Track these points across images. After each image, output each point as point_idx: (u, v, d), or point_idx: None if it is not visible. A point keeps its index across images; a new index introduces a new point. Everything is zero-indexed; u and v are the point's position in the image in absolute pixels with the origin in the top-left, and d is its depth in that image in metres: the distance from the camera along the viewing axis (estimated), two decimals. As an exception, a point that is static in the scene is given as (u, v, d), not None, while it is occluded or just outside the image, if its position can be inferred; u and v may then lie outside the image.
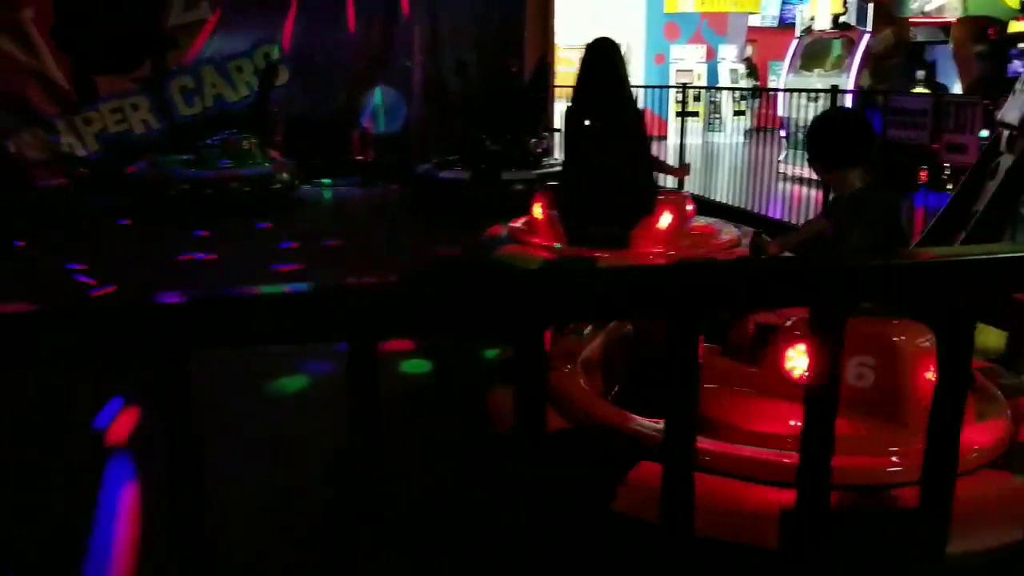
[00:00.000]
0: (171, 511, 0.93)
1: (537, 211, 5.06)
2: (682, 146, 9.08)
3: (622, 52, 5.15)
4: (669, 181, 7.19)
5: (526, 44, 10.74)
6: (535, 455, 1.01)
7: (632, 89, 5.17)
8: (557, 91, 10.76)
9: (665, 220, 4.81)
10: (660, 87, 11.38)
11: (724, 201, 7.79)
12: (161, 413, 0.92)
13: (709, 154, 8.87)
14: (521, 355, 0.99)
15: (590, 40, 5.20)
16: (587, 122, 4.91)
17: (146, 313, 0.88)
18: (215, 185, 8.11)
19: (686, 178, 7.06)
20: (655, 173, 5.42)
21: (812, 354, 1.10)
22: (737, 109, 15.41)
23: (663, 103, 11.16)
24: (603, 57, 5.00)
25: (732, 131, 15.09)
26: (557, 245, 4.82)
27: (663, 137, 10.83)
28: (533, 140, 8.82)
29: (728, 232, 5.13)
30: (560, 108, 10.29)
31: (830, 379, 1.07)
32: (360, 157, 10.38)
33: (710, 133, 14.83)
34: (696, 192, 7.41)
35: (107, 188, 8.49)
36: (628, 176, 4.75)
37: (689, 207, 5.13)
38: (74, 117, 9.34)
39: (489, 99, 10.15)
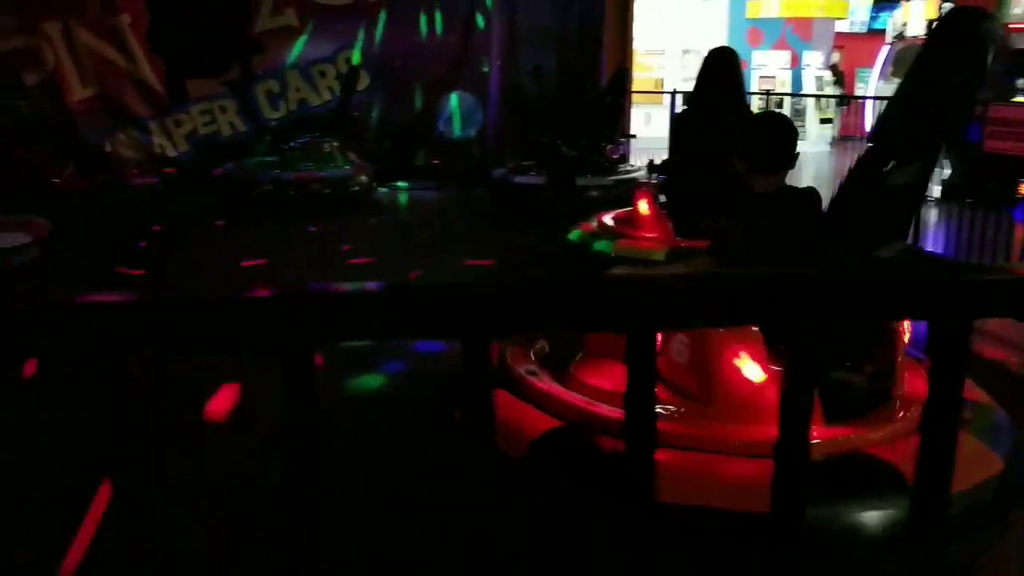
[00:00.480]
0: (290, 497, 0.92)
1: (643, 206, 5.20)
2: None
3: (738, 59, 5.40)
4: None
5: (604, 49, 10.67)
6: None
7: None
8: (635, 97, 10.65)
9: None
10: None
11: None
12: (289, 402, 0.91)
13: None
14: (634, 354, 0.94)
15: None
16: (703, 126, 5.18)
17: (284, 304, 0.88)
18: (297, 186, 8.33)
19: None
20: None
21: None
22: (823, 117, 14.97)
23: (744, 110, 10.92)
24: (722, 65, 5.24)
25: (817, 140, 14.67)
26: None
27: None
28: (609, 146, 8.76)
29: None
30: (637, 114, 10.22)
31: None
32: (436, 161, 10.49)
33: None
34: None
35: (195, 188, 8.80)
36: (737, 174, 4.92)
37: None
38: (166, 119, 9.72)
39: (566, 104, 10.13)
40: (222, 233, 7.71)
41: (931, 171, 2.89)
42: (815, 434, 1.92)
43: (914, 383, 2.56)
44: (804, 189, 2.97)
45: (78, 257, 6.48)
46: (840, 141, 14.92)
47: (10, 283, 5.54)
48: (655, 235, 5.01)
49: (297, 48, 10.02)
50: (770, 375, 2.27)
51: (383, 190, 9.64)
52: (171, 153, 9.71)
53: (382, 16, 10.17)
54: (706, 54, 5.40)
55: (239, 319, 0.91)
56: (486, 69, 10.56)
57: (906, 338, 2.71)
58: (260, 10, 9.81)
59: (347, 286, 0.90)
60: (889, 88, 9.82)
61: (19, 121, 8.33)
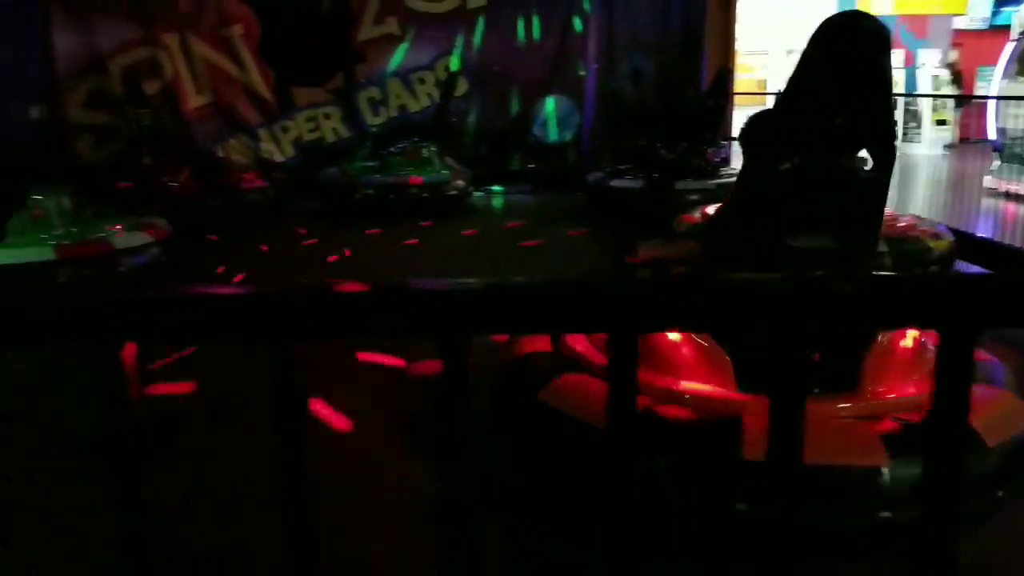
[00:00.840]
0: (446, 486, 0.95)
1: None
2: (873, 157, 8.47)
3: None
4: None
5: (706, 51, 10.46)
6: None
7: None
8: (737, 99, 10.39)
9: None
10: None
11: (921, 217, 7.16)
12: (446, 393, 0.94)
13: (904, 166, 8.18)
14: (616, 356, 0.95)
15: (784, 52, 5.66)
16: None
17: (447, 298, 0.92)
18: (396, 190, 8.53)
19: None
20: None
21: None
22: (939, 119, 14.20)
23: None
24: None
25: (932, 142, 13.92)
26: None
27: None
28: (710, 149, 8.57)
29: (903, 216, 5.76)
30: (740, 116, 9.94)
31: None
32: (532, 165, 10.51)
33: (906, 144, 13.75)
34: (888, 208, 6.96)
35: (300, 191, 9.12)
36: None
37: None
38: (274, 125, 10.13)
39: (665, 107, 9.98)
40: (320, 235, 7.96)
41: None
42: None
43: (900, 381, 2.68)
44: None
45: (194, 257, 6.83)
46: (958, 144, 14.12)
47: (133, 278, 5.89)
48: None
49: (398, 56, 10.26)
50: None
51: (479, 194, 9.74)
52: (278, 158, 10.11)
53: (480, 22, 10.29)
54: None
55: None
56: (583, 73, 10.52)
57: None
58: (363, 20, 10.10)
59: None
60: (1014, 87, 9.21)
61: (141, 130, 8.83)
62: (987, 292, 0.92)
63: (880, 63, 2.76)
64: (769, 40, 14.96)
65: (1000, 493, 2.32)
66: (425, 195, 8.56)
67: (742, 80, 13.49)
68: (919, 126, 14.07)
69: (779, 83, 13.77)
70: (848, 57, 2.77)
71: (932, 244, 5.20)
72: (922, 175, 8.99)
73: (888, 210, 5.27)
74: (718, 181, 7.92)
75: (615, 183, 8.37)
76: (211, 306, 0.93)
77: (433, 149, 8.99)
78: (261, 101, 10.05)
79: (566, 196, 9.53)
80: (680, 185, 7.80)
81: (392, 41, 10.21)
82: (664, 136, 8.52)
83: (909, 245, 5.11)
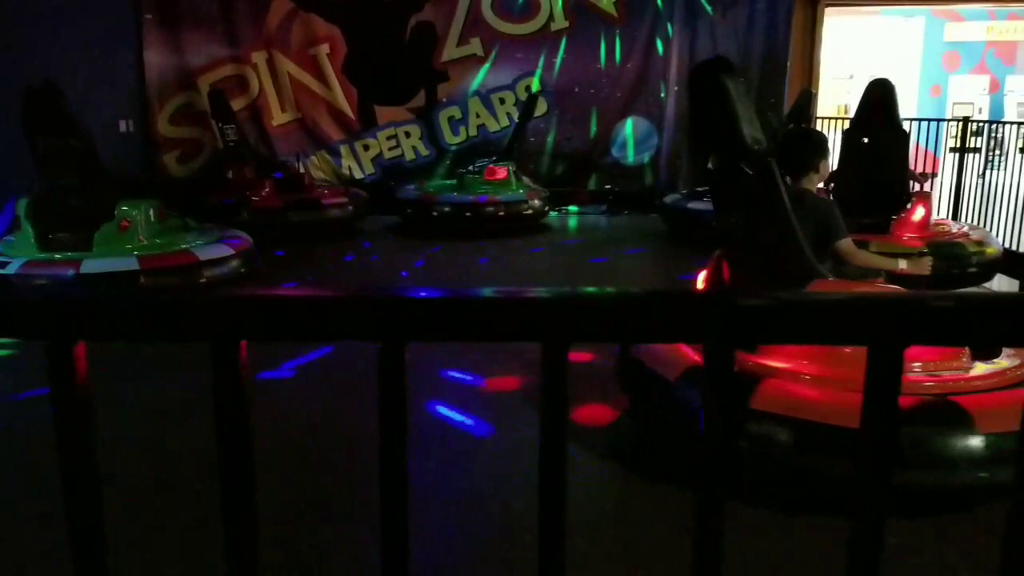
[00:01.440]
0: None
1: None
2: (959, 185, 8.17)
3: (895, 90, 6.39)
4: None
5: (789, 74, 10.24)
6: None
7: (903, 120, 6.47)
8: (820, 123, 10.11)
9: (919, 214, 5.92)
10: (934, 120, 10.31)
11: (1005, 245, 6.85)
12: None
13: (987, 194, 7.91)
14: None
15: (868, 76, 6.98)
16: (864, 140, 6.26)
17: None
18: (473, 208, 8.52)
19: (962, 213, 7.96)
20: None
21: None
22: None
23: (937, 138, 10.10)
24: (882, 94, 6.28)
25: (1018, 170, 13.32)
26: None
27: (933, 174, 9.77)
28: (793, 173, 8.34)
29: (958, 226, 6.44)
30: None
31: None
32: (610, 186, 10.41)
33: (990, 171, 13.19)
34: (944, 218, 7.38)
35: (380, 208, 9.20)
36: (889, 180, 6.08)
37: (932, 206, 6.26)
38: (355, 143, 10.27)
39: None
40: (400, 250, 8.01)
41: (761, 182, 3.20)
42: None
43: None
44: (820, 200, 3.58)
45: (276, 269, 6.92)
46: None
47: (215, 286, 5.98)
48: None
49: (480, 76, 10.31)
50: None
51: (555, 215, 9.67)
52: (358, 175, 10.22)
53: (563, 43, 10.27)
54: (866, 86, 6.48)
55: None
56: (663, 95, 10.40)
57: None
58: (447, 41, 10.19)
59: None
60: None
61: (227, 145, 9.05)
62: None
63: (714, 91, 3.12)
64: (854, 65, 14.62)
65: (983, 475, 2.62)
66: (501, 214, 8.54)
67: (827, 104, 13.19)
68: (1005, 154, 13.51)
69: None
70: (695, 96, 3.33)
71: (974, 250, 5.75)
72: (1009, 202, 8.60)
73: (942, 218, 6.61)
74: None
75: (692, 205, 8.21)
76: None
77: (511, 168, 8.97)
78: (344, 118, 10.21)
79: (644, 218, 9.41)
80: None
81: (475, 61, 10.27)
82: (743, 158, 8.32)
83: (952, 249, 5.72)
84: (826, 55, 11.20)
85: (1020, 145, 13.50)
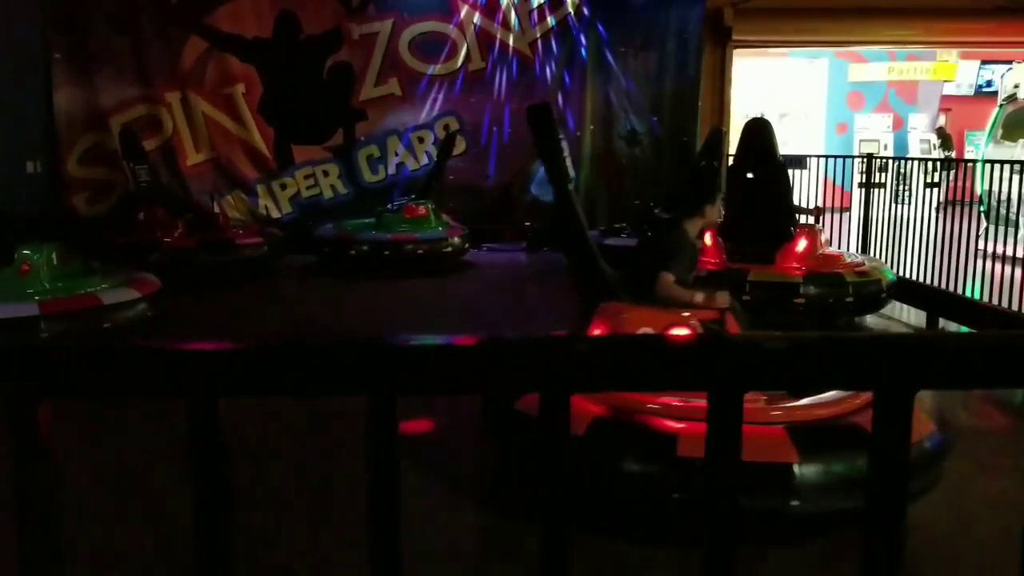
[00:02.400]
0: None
1: (707, 239, 6.27)
2: (866, 219, 8.53)
3: (773, 128, 6.74)
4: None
5: (701, 113, 10.62)
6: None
7: (805, 156, 7.35)
8: (731, 160, 10.50)
9: (801, 244, 6.18)
10: (842, 157, 10.82)
11: (914, 278, 7.17)
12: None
13: (897, 227, 8.25)
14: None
15: (778, 115, 6.66)
16: (748, 175, 6.50)
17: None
18: (392, 247, 8.53)
19: (871, 246, 8.19)
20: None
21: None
22: (929, 181, 14.34)
23: (846, 174, 10.58)
24: (759, 132, 6.62)
25: (923, 204, 14.02)
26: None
27: (845, 209, 10.17)
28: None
29: (851, 256, 6.68)
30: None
31: None
32: (528, 223, 10.56)
33: (898, 205, 13.85)
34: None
35: (297, 247, 9.14)
36: (773, 213, 6.34)
37: (823, 237, 6.50)
38: (272, 182, 10.21)
39: (659, 167, 10.07)
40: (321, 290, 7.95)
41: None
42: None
43: None
44: (678, 238, 3.81)
45: (183, 313, 6.77)
46: (947, 205, 14.23)
47: (118, 334, 5.81)
48: (711, 259, 6.17)
49: (398, 115, 10.41)
50: None
51: (475, 251, 9.75)
52: (275, 215, 10.15)
53: (480, 83, 10.47)
54: (744, 125, 6.89)
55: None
56: (578, 133, 10.65)
57: None
58: (365, 80, 10.27)
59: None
60: (1000, 151, 9.34)
61: (139, 185, 8.88)
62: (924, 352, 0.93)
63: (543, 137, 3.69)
64: (763, 105, 15.22)
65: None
66: (420, 252, 8.57)
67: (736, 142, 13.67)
68: (910, 189, 14.21)
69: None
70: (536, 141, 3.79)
71: (854, 280, 5.87)
72: (915, 236, 9.01)
73: (837, 250, 6.84)
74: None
75: (610, 242, 8.38)
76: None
77: (430, 206, 9.03)
78: (260, 158, 10.15)
79: (560, 254, 9.54)
80: (675, 244, 7.82)
81: (393, 101, 10.37)
82: (660, 196, 8.58)
83: (829, 279, 5.86)
84: (737, 94, 11.67)
85: (926, 180, 14.30)
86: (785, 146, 14.22)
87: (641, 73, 10.63)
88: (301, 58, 10.08)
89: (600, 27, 10.56)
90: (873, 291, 6.00)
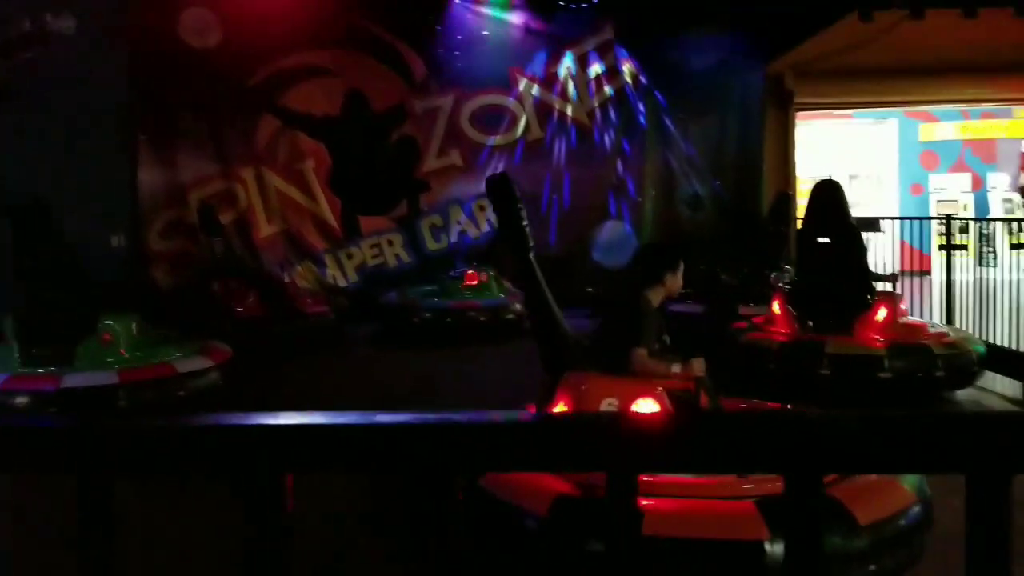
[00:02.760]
0: None
1: (775, 307, 6.22)
2: (949, 282, 8.16)
3: (842, 189, 6.53)
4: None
5: (765, 177, 10.50)
6: None
7: (878, 219, 7.01)
8: (799, 224, 10.30)
9: (881, 314, 5.81)
10: (919, 219, 10.50)
11: (1003, 344, 6.77)
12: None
13: (982, 292, 7.83)
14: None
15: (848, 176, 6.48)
16: (820, 239, 6.29)
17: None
18: (455, 314, 8.58)
19: (957, 314, 7.79)
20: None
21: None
22: (1015, 242, 13.76)
23: (923, 236, 10.24)
24: (829, 195, 6.39)
25: (1010, 266, 13.43)
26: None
27: (925, 272, 9.76)
28: (774, 274, 8.42)
29: (935, 326, 6.31)
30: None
31: None
32: (590, 289, 10.50)
33: (983, 268, 13.30)
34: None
35: (362, 315, 9.28)
36: (848, 279, 6.06)
37: (902, 306, 6.15)
38: (339, 252, 10.49)
39: (725, 232, 9.95)
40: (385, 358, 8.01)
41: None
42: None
43: None
44: (638, 307, 3.68)
45: (255, 382, 6.89)
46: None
47: (191, 402, 5.93)
48: (781, 330, 6.00)
49: (459, 185, 10.64)
50: None
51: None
52: (342, 283, 10.38)
53: (540, 152, 10.64)
54: (813, 187, 6.70)
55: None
56: (640, 199, 10.65)
57: None
58: (428, 153, 10.58)
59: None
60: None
61: (215, 257, 9.22)
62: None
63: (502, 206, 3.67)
64: (831, 167, 14.99)
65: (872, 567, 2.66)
66: (482, 319, 8.59)
67: (804, 205, 13.45)
68: (994, 250, 13.64)
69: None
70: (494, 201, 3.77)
71: (943, 352, 5.49)
72: (1003, 301, 8.54)
73: (918, 320, 6.50)
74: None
75: (675, 308, 8.23)
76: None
77: (491, 274, 9.09)
78: (328, 229, 10.47)
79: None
80: (743, 310, 7.64)
81: (454, 171, 10.61)
82: (725, 260, 8.45)
83: (915, 351, 5.50)
84: (803, 157, 11.52)
85: (1011, 241, 13.72)
86: (856, 208, 13.93)
87: (701, 138, 10.64)
88: (367, 133, 10.47)
89: (658, 94, 10.67)
90: (964, 363, 5.60)
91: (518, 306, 8.92)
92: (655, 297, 3.73)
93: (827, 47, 10.27)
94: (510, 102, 10.67)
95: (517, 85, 10.66)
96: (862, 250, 6.35)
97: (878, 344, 5.52)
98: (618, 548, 0.95)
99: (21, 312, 6.25)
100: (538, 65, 10.71)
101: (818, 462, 0.91)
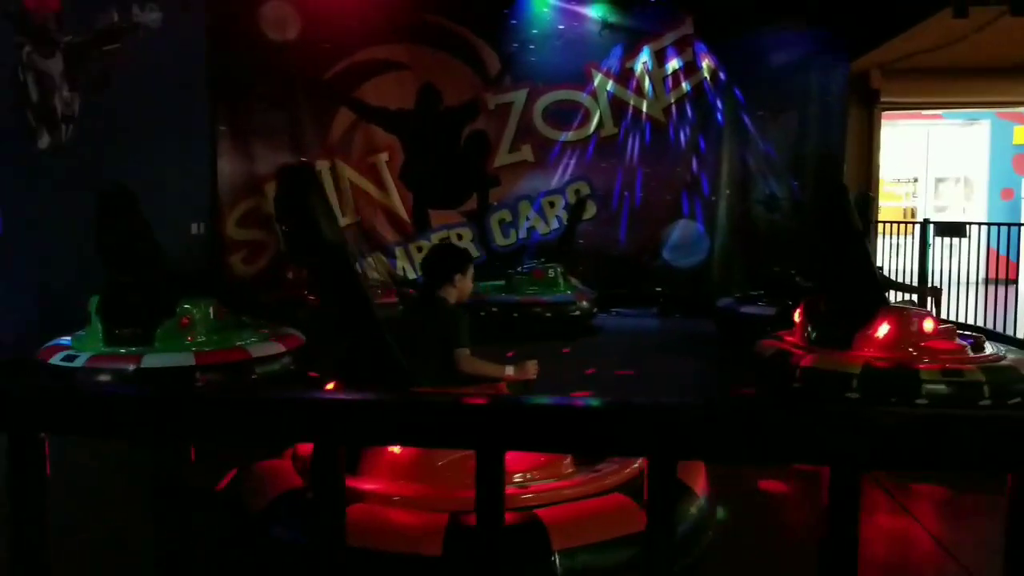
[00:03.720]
0: None
1: (796, 315, 5.96)
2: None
3: (849, 194, 6.05)
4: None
5: (846, 178, 10.16)
6: None
7: (964, 224, 6.42)
8: (881, 227, 9.93)
9: (882, 330, 5.33)
10: (1008, 224, 9.96)
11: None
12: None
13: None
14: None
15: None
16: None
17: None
18: (521, 309, 8.58)
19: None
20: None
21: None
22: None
23: (1013, 243, 9.71)
24: (834, 199, 5.96)
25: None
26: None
27: (1012, 281, 9.26)
28: (850, 277, 8.14)
29: (991, 349, 5.38)
30: (883, 245, 9.47)
31: None
32: (660, 288, 10.37)
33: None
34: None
35: (430, 308, 9.34)
36: (855, 293, 5.65)
37: (927, 324, 5.40)
38: (409, 244, 10.61)
39: (801, 234, 9.66)
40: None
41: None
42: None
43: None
44: (449, 307, 3.53)
45: (322, 366, 7.03)
46: None
47: (263, 384, 6.09)
48: (794, 340, 5.76)
49: (530, 181, 10.62)
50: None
51: (604, 315, 9.63)
52: (411, 276, 10.50)
53: (612, 148, 10.54)
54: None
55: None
56: (713, 198, 10.45)
57: None
58: (499, 147, 10.59)
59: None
60: None
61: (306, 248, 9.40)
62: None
63: (300, 193, 3.01)
64: (919, 168, 14.43)
65: None
66: (548, 315, 8.56)
67: (887, 208, 12.97)
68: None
69: (929, 211, 13.13)
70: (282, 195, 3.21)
71: (931, 379, 4.90)
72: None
73: (962, 341, 5.56)
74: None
75: (745, 309, 8.06)
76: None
77: (559, 270, 9.06)
78: (399, 222, 10.60)
79: (695, 321, 9.27)
80: (816, 314, 7.39)
81: (525, 166, 10.60)
82: (800, 263, 8.21)
83: (897, 375, 4.98)
84: (886, 158, 11.11)
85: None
86: (943, 213, 13.38)
87: (781, 137, 10.36)
88: (440, 128, 10.55)
89: (737, 91, 10.42)
90: (969, 396, 4.80)
91: (585, 303, 8.89)
92: (449, 296, 3.59)
93: (917, 44, 9.87)
94: (584, 97, 10.59)
95: (592, 80, 10.57)
96: (865, 258, 5.86)
97: (881, 364, 5.04)
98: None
99: (106, 294, 6.52)
100: (614, 60, 10.60)
101: (858, 458, 0.97)
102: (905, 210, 14.15)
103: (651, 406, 1.03)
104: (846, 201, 5.81)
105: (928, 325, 5.38)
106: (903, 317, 5.39)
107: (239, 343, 6.37)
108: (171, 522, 1.12)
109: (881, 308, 5.47)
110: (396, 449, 2.78)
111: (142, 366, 5.87)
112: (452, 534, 2.37)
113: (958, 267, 8.39)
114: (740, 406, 1.08)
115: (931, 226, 8.93)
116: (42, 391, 1.13)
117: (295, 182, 3.08)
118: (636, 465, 2.81)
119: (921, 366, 4.96)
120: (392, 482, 2.70)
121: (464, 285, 3.65)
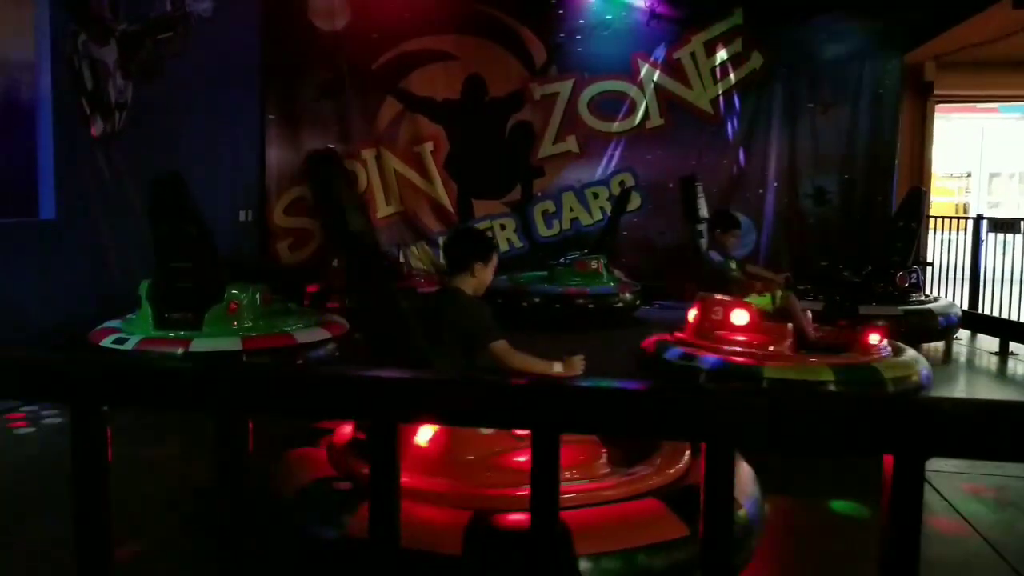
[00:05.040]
0: None
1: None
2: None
3: None
4: None
5: (898, 172, 9.95)
6: None
7: (1018, 220, 6.27)
8: (933, 223, 9.71)
9: (873, 338, 5.22)
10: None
11: None
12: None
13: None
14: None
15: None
16: None
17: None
18: (563, 300, 8.57)
19: None
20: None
21: None
22: None
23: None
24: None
25: None
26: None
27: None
28: (900, 273, 7.98)
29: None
30: (935, 240, 9.25)
31: None
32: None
33: None
34: None
35: (472, 297, 9.38)
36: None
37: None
38: (453, 234, 10.65)
39: (850, 228, 9.49)
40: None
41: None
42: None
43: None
44: (469, 300, 3.27)
45: (367, 352, 7.10)
46: None
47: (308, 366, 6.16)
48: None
49: (574, 172, 10.59)
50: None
51: (646, 308, 9.57)
52: (455, 265, 10.53)
53: (658, 140, 10.45)
54: None
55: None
56: (762, 191, 10.30)
57: None
58: (544, 138, 10.57)
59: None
60: None
61: (334, 235, 9.52)
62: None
63: (326, 181, 2.95)
64: (972, 163, 14.07)
65: None
66: (591, 306, 8.54)
67: (940, 203, 12.68)
68: None
69: (982, 207, 12.80)
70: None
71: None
72: None
73: None
74: (906, 307, 7.32)
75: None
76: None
77: (602, 261, 9.02)
78: (443, 211, 10.64)
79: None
80: (864, 309, 7.27)
81: (570, 157, 10.57)
82: (849, 257, 8.07)
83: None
84: (939, 152, 10.85)
85: None
86: (996, 209, 13.03)
87: (831, 130, 10.17)
88: (485, 118, 10.56)
89: (787, 83, 10.25)
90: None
91: (628, 295, 8.84)
92: (467, 288, 3.28)
93: (974, 36, 9.59)
94: (631, 88, 10.51)
95: (639, 71, 10.48)
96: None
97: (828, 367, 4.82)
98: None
99: (156, 279, 6.67)
100: (661, 50, 10.50)
101: (923, 446, 0.98)
102: (957, 205, 13.81)
103: (707, 392, 1.05)
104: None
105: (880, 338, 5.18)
106: (881, 331, 5.30)
107: (286, 329, 6.47)
108: (233, 494, 1.15)
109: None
110: (422, 442, 2.75)
111: (190, 350, 5.99)
112: (473, 533, 2.26)
113: (1011, 264, 8.21)
114: (803, 396, 1.07)
115: (984, 222, 8.72)
116: (104, 366, 1.16)
117: (319, 169, 3.05)
118: (674, 469, 2.70)
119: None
120: (415, 476, 2.58)
121: (484, 276, 3.33)
